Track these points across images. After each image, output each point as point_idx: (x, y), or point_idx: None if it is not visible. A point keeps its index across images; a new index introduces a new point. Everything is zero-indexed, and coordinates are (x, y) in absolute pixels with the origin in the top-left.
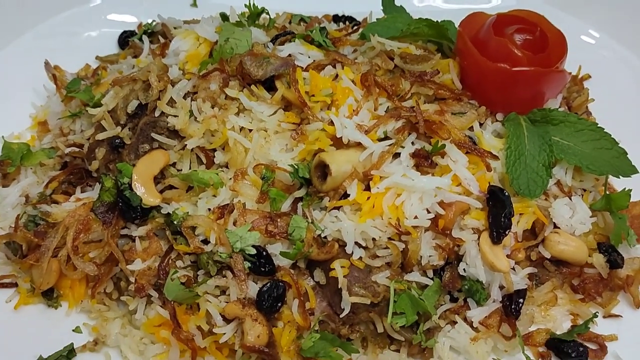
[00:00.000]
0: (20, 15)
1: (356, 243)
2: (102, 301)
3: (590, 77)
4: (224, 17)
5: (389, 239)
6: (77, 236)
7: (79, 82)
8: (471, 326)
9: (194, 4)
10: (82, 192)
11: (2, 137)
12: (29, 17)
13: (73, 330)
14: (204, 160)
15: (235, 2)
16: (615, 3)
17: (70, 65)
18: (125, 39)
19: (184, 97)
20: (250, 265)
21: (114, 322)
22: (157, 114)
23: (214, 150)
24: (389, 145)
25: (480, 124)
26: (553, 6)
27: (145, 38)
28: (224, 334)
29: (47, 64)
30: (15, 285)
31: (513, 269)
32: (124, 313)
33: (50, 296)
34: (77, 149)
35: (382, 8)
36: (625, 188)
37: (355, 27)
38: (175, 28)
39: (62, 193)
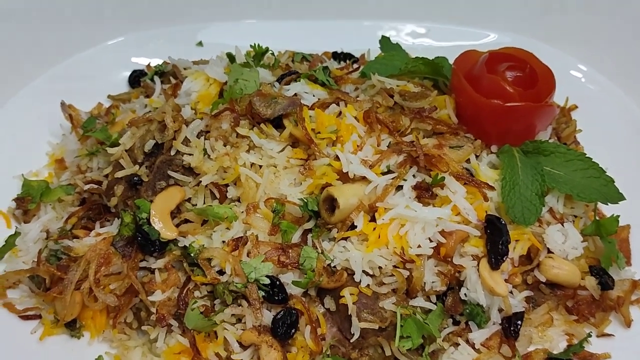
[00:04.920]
0: (35, 59)
1: (364, 271)
2: (123, 331)
3: (577, 107)
4: (231, 57)
5: (395, 267)
6: (99, 269)
7: (94, 121)
8: (473, 348)
9: (200, 44)
10: (101, 227)
11: (22, 175)
12: (42, 61)
13: (96, 359)
14: (218, 195)
15: (238, 42)
16: (602, 39)
17: (83, 105)
18: (135, 78)
19: (198, 136)
20: (264, 294)
21: (135, 351)
22: (172, 152)
23: (227, 185)
24: (392, 179)
25: (477, 156)
26: (545, 42)
27: (156, 78)
28: None
29: (63, 104)
30: (40, 317)
31: (511, 292)
32: (144, 342)
33: (73, 327)
34: (95, 186)
35: (379, 46)
36: (613, 214)
37: (356, 66)
38: (185, 69)
39: (81, 228)
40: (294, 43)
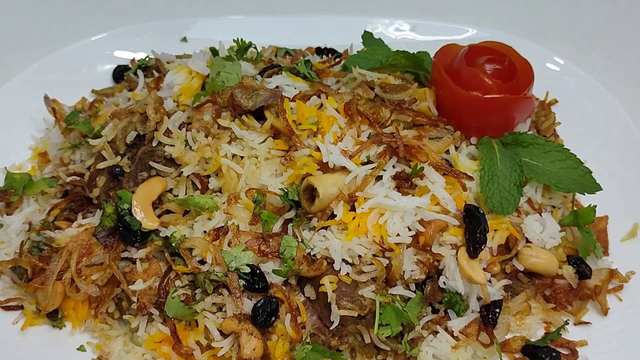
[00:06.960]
0: (19, 53)
1: (343, 260)
2: (105, 320)
3: (557, 101)
4: (214, 51)
5: (374, 255)
6: (80, 260)
7: (78, 115)
8: (452, 335)
9: (184, 40)
10: (83, 218)
11: (5, 168)
12: (26, 55)
13: (77, 349)
14: (199, 186)
15: (222, 37)
16: (578, 32)
17: (67, 99)
18: (119, 73)
19: (180, 128)
20: (244, 283)
21: (117, 340)
22: (154, 143)
23: (208, 176)
24: (372, 169)
25: (456, 148)
26: (521, 36)
27: (140, 72)
28: (222, 348)
29: (46, 98)
30: (21, 307)
31: (489, 281)
32: (126, 331)
33: (55, 317)
34: (77, 178)
35: (362, 41)
36: (590, 204)
37: (338, 60)
38: (168, 62)
39: (63, 220)
40: (279, 39)
